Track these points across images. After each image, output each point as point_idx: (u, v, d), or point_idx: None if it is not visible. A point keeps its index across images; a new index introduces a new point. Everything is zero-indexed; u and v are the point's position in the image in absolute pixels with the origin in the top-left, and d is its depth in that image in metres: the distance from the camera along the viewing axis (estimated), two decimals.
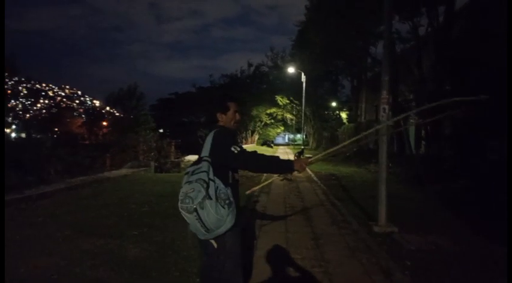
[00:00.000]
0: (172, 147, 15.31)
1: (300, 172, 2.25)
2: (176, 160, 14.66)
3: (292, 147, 47.64)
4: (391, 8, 5.75)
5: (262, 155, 2.26)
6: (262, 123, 44.01)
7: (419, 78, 14.24)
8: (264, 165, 2.27)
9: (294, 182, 10.62)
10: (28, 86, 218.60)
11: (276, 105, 37.55)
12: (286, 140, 69.66)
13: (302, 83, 28.12)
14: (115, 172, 10.71)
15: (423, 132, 15.42)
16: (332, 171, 14.71)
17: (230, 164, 2.21)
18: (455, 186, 8.55)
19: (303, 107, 29.40)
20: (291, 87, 35.08)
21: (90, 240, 4.52)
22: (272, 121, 44.90)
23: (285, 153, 30.82)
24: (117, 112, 46.72)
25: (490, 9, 10.38)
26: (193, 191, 2.01)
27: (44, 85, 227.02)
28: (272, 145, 48.48)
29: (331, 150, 2.73)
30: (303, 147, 26.98)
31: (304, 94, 28.02)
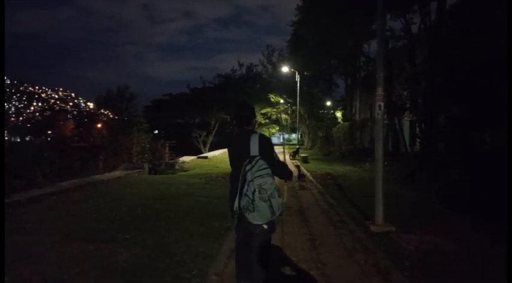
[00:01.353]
0: (167, 148, 15.14)
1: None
2: (171, 161, 14.51)
3: (287, 147, 47.56)
4: (384, 5, 5.68)
5: (285, 167, 2.92)
6: (257, 123, 43.90)
7: (413, 75, 14.23)
8: (284, 174, 2.87)
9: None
10: (21, 88, 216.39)
11: (271, 104, 37.42)
12: (282, 140, 69.64)
13: (297, 82, 28.04)
14: (108, 175, 10.54)
15: (417, 129, 15.42)
16: (328, 170, 14.63)
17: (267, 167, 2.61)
18: (449, 182, 8.50)
19: (298, 106, 29.32)
20: (286, 86, 34.96)
21: (80, 245, 4.38)
22: (267, 121, 44.72)
23: (280, 153, 30.73)
24: (111, 114, 45.45)
25: (477, 7, 10.38)
26: (265, 184, 2.47)
27: (36, 88, 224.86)
28: None
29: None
30: (298, 146, 26.89)
31: (298, 93, 27.95)
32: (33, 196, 6.91)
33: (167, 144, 15.01)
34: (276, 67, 38.53)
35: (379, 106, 5.40)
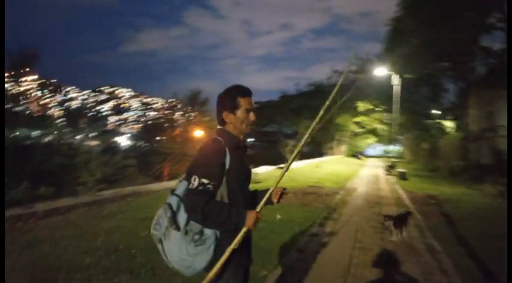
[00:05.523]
0: None
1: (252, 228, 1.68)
2: None
3: (385, 159, 43.01)
4: None
5: (220, 208, 1.64)
6: (351, 133, 40.51)
7: None
8: (205, 221, 1.63)
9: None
10: (138, 100, 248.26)
11: (363, 113, 34.03)
12: (378, 152, 64.05)
13: (393, 86, 24.53)
14: (164, 184, 9.53)
15: None
16: (431, 192, 11.54)
17: None
18: None
19: (393, 113, 25.67)
20: (379, 92, 31.43)
21: None
22: (362, 130, 41.11)
23: (374, 167, 27.37)
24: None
25: None
26: (161, 216, 1.67)
27: (151, 99, 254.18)
28: (360, 157, 44.16)
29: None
30: (393, 160, 23.42)
31: (395, 99, 24.40)
32: (59, 208, 6.01)
33: None
34: (367, 72, 35.20)
35: None
